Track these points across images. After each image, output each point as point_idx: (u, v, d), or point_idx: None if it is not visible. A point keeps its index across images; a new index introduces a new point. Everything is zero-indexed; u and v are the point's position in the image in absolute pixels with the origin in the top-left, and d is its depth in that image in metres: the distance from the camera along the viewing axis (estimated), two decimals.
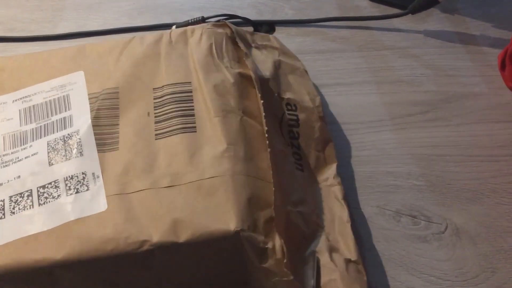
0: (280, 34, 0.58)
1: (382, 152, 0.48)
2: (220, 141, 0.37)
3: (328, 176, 0.43)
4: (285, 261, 0.32)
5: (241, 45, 0.43)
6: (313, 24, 0.59)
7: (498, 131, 0.49)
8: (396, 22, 0.59)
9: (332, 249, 0.37)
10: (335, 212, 0.40)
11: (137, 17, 0.59)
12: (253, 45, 0.48)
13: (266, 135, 0.37)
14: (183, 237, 0.33)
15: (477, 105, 0.51)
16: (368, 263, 0.41)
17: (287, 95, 0.45)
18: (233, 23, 0.49)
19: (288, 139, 0.43)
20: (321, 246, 0.37)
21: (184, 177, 0.35)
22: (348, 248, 0.37)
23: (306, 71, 0.49)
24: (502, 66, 0.52)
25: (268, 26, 0.59)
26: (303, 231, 0.38)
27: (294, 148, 0.43)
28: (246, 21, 0.57)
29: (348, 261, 0.36)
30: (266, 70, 0.45)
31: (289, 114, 0.44)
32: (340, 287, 0.34)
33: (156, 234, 0.33)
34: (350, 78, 0.53)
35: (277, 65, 0.47)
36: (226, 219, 0.33)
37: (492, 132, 0.49)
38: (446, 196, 0.45)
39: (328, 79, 0.53)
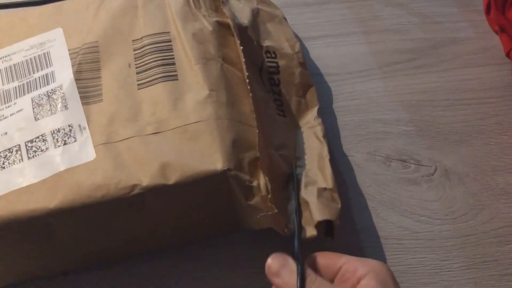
0: None
1: (371, 100, 0.49)
2: (202, 87, 0.38)
3: (309, 119, 0.44)
4: (269, 196, 0.34)
5: None
6: None
7: (485, 74, 0.50)
8: None
9: (309, 183, 0.38)
10: (315, 150, 0.41)
11: None
12: None
13: (247, 81, 0.38)
14: (172, 179, 0.34)
15: (464, 50, 0.52)
16: (361, 207, 0.42)
17: (266, 43, 0.46)
18: None
19: (269, 85, 0.44)
20: (299, 183, 0.39)
21: (169, 123, 0.36)
22: (325, 179, 0.38)
23: (285, 18, 0.49)
24: (488, 10, 0.52)
25: None
26: (285, 172, 0.39)
27: (275, 95, 0.44)
28: None
29: (322, 190, 0.37)
30: (244, 18, 0.46)
31: (268, 61, 0.45)
32: (312, 213, 0.36)
33: (145, 178, 0.34)
34: (337, 30, 0.54)
35: (255, 13, 0.48)
36: (212, 160, 0.34)
37: (479, 75, 0.50)
38: (435, 140, 0.46)
39: (316, 31, 0.54)
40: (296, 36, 0.49)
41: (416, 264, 0.40)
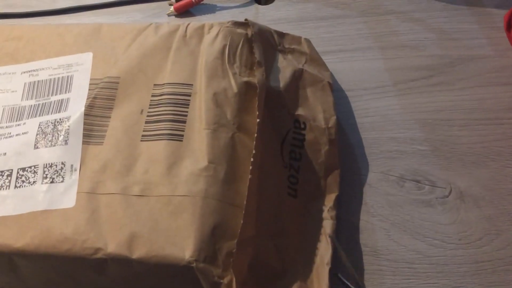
0: (282, 1, 0.56)
1: (385, 118, 0.47)
2: (203, 157, 0.35)
3: (324, 206, 0.40)
4: None
5: (256, 52, 0.40)
6: None
7: (504, 94, 0.48)
8: None
9: None
10: (319, 249, 0.37)
11: None
12: (279, 47, 0.45)
13: (252, 159, 0.35)
14: (136, 253, 0.32)
15: (482, 68, 0.49)
16: (372, 228, 0.41)
17: (299, 111, 0.42)
18: None
19: (288, 159, 0.40)
20: (289, 286, 0.35)
21: (156, 188, 0.34)
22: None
23: (330, 84, 0.45)
24: (508, 27, 0.50)
25: None
26: (274, 267, 0.35)
27: (292, 171, 0.40)
28: None
29: None
30: (282, 80, 0.42)
31: (295, 132, 0.41)
32: None
33: (111, 244, 0.32)
34: (353, 45, 0.52)
35: (297, 75, 0.44)
36: (183, 245, 0.32)
37: (497, 95, 0.48)
38: (450, 160, 0.44)
39: (331, 46, 0.52)
40: (336, 108, 0.46)
41: None
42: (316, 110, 0.43)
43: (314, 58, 0.47)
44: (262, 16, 0.55)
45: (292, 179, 0.40)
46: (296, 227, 0.38)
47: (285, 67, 0.44)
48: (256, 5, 0.57)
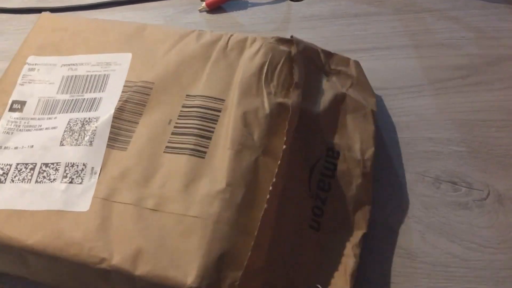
0: None
1: (421, 117, 0.46)
2: (222, 178, 0.34)
3: (348, 243, 0.38)
4: None
5: (296, 72, 0.38)
6: None
7: None
8: None
9: None
10: None
11: None
12: (324, 68, 0.43)
13: (271, 188, 0.33)
14: (139, 270, 0.31)
15: None
16: (407, 230, 0.40)
17: (334, 139, 0.40)
18: None
19: (315, 189, 0.38)
20: None
21: (170, 205, 0.33)
22: None
23: (373, 112, 0.43)
24: None
25: None
26: None
27: (318, 202, 0.38)
28: None
29: None
30: (321, 103, 0.40)
31: (327, 161, 0.39)
32: None
33: (117, 256, 0.32)
34: (387, 42, 0.51)
35: (339, 100, 0.42)
36: (187, 269, 0.31)
37: None
38: (488, 162, 0.43)
39: (365, 43, 0.51)
40: (379, 137, 0.43)
41: None
42: (353, 139, 0.41)
43: (361, 82, 0.44)
44: (295, 12, 0.54)
45: (316, 211, 0.38)
46: (314, 261, 0.36)
47: (327, 90, 0.42)
48: (288, 2, 0.55)
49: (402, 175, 0.43)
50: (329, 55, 0.44)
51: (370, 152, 0.41)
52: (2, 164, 0.36)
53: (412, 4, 0.54)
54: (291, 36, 0.41)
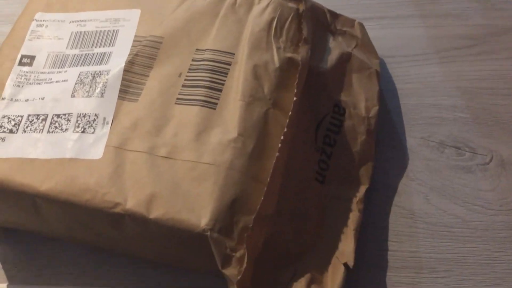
0: None
1: (426, 85, 0.47)
2: (233, 128, 0.34)
3: (352, 197, 0.39)
4: (239, 278, 0.30)
5: (304, 28, 0.39)
6: None
7: None
8: None
9: (312, 281, 0.34)
10: (341, 242, 0.36)
11: None
12: (330, 27, 0.43)
13: (282, 137, 0.34)
14: (153, 213, 0.32)
15: None
16: (411, 192, 0.41)
17: (340, 96, 0.41)
18: None
19: (321, 143, 0.39)
20: (302, 272, 0.34)
21: (183, 152, 0.34)
22: (333, 284, 0.34)
23: (377, 73, 0.43)
24: None
25: None
26: (289, 249, 0.35)
27: (323, 156, 0.39)
28: None
29: None
30: (328, 61, 0.41)
31: (333, 117, 0.40)
32: None
33: (131, 200, 0.32)
34: (394, 12, 0.51)
35: (345, 59, 0.42)
36: (200, 213, 0.31)
37: None
38: (492, 128, 0.44)
39: (372, 12, 0.51)
40: (383, 101, 0.44)
41: (467, 253, 0.38)
42: (358, 97, 0.41)
43: (365, 44, 0.45)
44: None
45: (322, 164, 0.39)
46: (319, 213, 0.37)
47: (334, 48, 0.42)
48: None
49: (405, 139, 0.44)
50: (335, 15, 0.44)
51: (374, 110, 0.41)
52: (14, 116, 0.37)
53: None
54: None
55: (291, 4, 0.41)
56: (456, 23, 0.50)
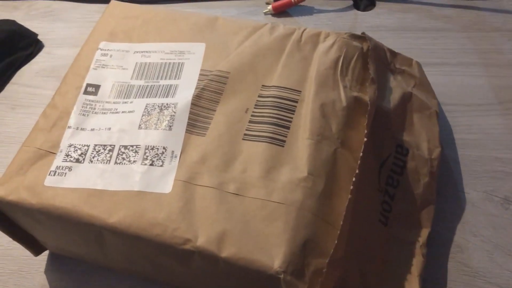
0: (381, 9, 0.56)
1: (489, 136, 0.46)
2: (303, 167, 0.34)
3: (415, 241, 0.38)
4: None
5: (371, 68, 0.39)
6: (415, 0, 0.56)
7: None
8: (505, 3, 0.55)
9: None
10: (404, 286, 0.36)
11: None
12: (390, 66, 0.43)
13: (354, 179, 0.34)
14: (225, 252, 0.31)
15: None
16: (475, 249, 0.40)
17: (403, 136, 0.40)
18: None
19: (384, 185, 0.39)
20: None
21: (252, 190, 0.34)
22: None
23: (437, 113, 0.43)
24: None
25: (368, 1, 0.56)
26: None
27: (387, 197, 0.38)
28: None
29: None
30: (391, 100, 0.41)
31: (396, 157, 0.40)
32: None
33: (202, 237, 0.32)
34: (456, 59, 0.51)
35: (406, 98, 0.42)
36: (273, 253, 0.31)
37: None
38: None
39: (432, 58, 0.51)
40: (442, 141, 0.43)
41: None
42: (420, 138, 0.41)
43: (423, 83, 0.45)
44: (361, 22, 0.54)
45: (385, 206, 0.38)
46: (383, 255, 0.37)
47: (395, 87, 0.42)
48: (355, 11, 0.56)
49: (469, 192, 0.43)
50: (393, 53, 0.44)
51: (437, 151, 0.41)
52: (80, 145, 0.37)
53: (481, 23, 0.54)
54: (362, 33, 0.42)
55: (355, 43, 0.41)
56: None
